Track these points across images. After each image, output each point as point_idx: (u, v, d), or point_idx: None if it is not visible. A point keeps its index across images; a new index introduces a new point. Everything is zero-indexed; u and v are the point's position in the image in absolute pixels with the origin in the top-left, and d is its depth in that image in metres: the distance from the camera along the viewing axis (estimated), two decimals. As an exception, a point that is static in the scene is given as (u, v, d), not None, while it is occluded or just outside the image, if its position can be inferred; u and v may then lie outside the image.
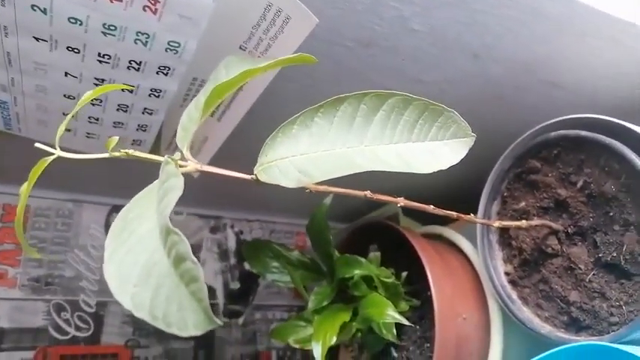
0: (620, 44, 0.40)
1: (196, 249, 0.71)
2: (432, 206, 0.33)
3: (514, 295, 0.42)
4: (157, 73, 0.35)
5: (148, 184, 0.25)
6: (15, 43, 0.32)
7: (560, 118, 0.41)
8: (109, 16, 0.31)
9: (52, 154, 0.25)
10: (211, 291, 0.70)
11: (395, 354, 0.48)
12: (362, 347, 0.49)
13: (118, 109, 0.39)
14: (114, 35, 0.32)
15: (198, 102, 0.28)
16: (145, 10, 0.30)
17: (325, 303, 0.45)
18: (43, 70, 0.35)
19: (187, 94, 0.40)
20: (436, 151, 0.26)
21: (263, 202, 0.72)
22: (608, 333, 0.36)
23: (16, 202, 0.61)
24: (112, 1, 0.29)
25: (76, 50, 0.33)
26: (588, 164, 0.39)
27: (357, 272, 0.45)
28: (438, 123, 0.26)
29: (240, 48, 0.35)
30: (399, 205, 0.31)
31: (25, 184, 0.25)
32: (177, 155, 0.24)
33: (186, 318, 0.18)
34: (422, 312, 0.47)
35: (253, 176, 0.27)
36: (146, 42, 0.33)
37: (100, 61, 0.34)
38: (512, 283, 0.43)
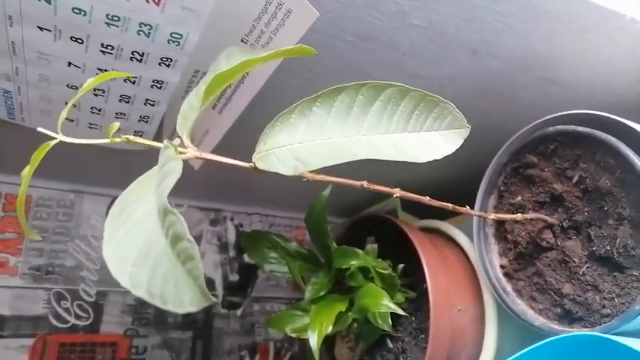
0: (617, 42, 0.41)
1: (196, 241, 0.71)
2: (427, 197, 0.33)
3: (509, 287, 0.43)
4: (160, 64, 0.36)
5: (148, 175, 0.25)
6: (19, 32, 0.33)
7: (558, 114, 0.41)
8: (112, 6, 0.31)
9: (54, 138, 0.25)
10: (210, 283, 0.71)
11: (390, 344, 0.48)
12: (358, 338, 0.50)
13: (120, 100, 0.40)
14: (117, 26, 0.32)
15: (198, 91, 0.28)
16: (148, 2, 0.31)
17: (322, 293, 0.46)
18: (47, 60, 0.35)
19: (189, 86, 0.41)
20: (431, 141, 0.27)
21: (263, 196, 0.73)
22: (600, 324, 0.36)
23: (18, 192, 0.62)
24: (115, -8, 0.30)
25: (79, 40, 0.33)
26: (584, 159, 0.39)
27: (354, 263, 0.45)
28: (433, 114, 0.27)
29: (242, 41, 0.36)
30: (395, 196, 0.31)
31: (27, 168, 0.26)
32: (176, 141, 0.25)
33: (182, 295, 0.19)
34: (418, 304, 0.48)
35: (251, 164, 0.27)
36: (149, 33, 0.33)
37: (103, 52, 0.34)
38: (507, 275, 0.44)
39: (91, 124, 0.42)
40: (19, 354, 0.57)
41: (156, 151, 0.26)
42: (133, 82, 0.38)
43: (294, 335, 0.46)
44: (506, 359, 0.34)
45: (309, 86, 0.43)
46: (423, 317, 0.47)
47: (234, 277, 0.73)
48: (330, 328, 0.42)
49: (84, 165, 0.58)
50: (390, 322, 0.44)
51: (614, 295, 0.36)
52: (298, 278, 0.48)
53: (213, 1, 0.31)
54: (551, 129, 0.41)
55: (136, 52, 0.35)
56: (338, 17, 0.35)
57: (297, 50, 0.28)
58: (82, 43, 0.34)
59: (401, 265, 0.48)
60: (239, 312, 0.71)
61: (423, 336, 0.46)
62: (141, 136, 0.45)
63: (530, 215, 0.41)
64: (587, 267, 0.38)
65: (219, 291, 0.71)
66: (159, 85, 0.38)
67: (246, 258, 0.73)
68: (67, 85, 0.38)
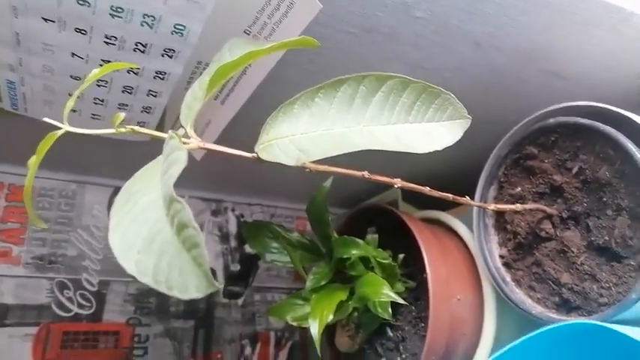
0: (620, 34, 0.41)
1: (198, 231, 0.72)
2: (428, 188, 0.33)
3: (508, 277, 0.44)
4: (163, 55, 0.36)
5: (151, 166, 0.25)
6: (24, 23, 0.33)
7: (559, 106, 0.41)
8: (116, -3, 0.31)
9: (60, 128, 0.26)
10: (212, 272, 0.71)
11: (390, 333, 0.49)
12: (358, 326, 0.50)
13: (123, 91, 0.40)
14: (121, 17, 0.32)
15: (202, 82, 0.29)
16: (151, -8, 0.31)
17: (323, 282, 0.46)
18: (51, 51, 0.35)
19: (192, 78, 0.41)
20: (433, 132, 0.27)
21: (264, 186, 0.73)
22: (598, 313, 0.37)
23: (21, 183, 0.63)
24: (119, -17, 0.30)
25: (83, 31, 0.34)
26: (584, 151, 0.40)
27: (355, 253, 0.46)
28: (435, 105, 0.27)
29: (245, 32, 0.36)
30: (396, 186, 0.31)
31: (34, 157, 0.26)
32: (181, 131, 0.25)
33: (187, 282, 0.19)
34: (418, 293, 0.48)
35: (254, 154, 0.27)
36: (152, 24, 0.33)
37: (107, 43, 0.35)
38: (507, 265, 0.44)
39: (93, 114, 0.43)
40: (23, 342, 0.57)
41: (157, 142, 0.26)
42: (136, 73, 0.38)
43: (294, 324, 0.46)
44: (505, 347, 0.35)
45: (312, 78, 0.43)
46: (422, 306, 0.48)
47: (236, 267, 0.73)
48: (330, 317, 0.43)
49: (86, 155, 0.59)
50: (390, 310, 0.44)
51: (611, 284, 0.37)
52: (299, 268, 0.48)
53: (217, -7, 0.31)
54: (551, 120, 0.41)
55: (140, 43, 0.35)
56: (341, 9, 0.35)
57: (299, 42, 0.28)
58: (86, 34, 0.34)
59: (401, 255, 0.48)
60: (240, 301, 0.72)
61: (423, 325, 0.47)
62: (143, 126, 0.45)
63: (530, 206, 0.41)
64: (586, 257, 0.39)
65: (221, 281, 0.72)
66: (162, 76, 0.38)
67: (248, 248, 0.74)
68: (71, 76, 0.38)
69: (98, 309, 0.62)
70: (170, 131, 0.24)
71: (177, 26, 0.34)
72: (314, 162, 0.28)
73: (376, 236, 0.49)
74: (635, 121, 0.37)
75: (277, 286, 0.76)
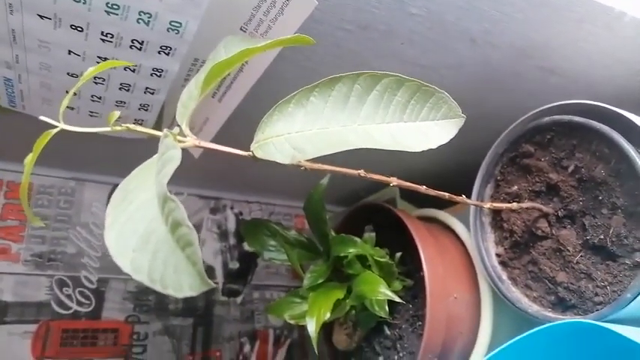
0: (615, 32, 0.41)
1: (197, 229, 0.71)
2: (424, 187, 0.33)
3: (504, 275, 0.44)
4: (159, 52, 0.36)
5: (149, 163, 0.25)
6: (19, 20, 0.33)
7: (555, 104, 0.41)
8: (111, -6, 0.31)
9: (56, 127, 0.26)
10: (210, 270, 0.72)
11: (388, 331, 0.49)
12: (356, 325, 0.50)
13: (120, 88, 0.40)
14: (117, 14, 0.32)
15: (198, 80, 0.29)
16: (147, -10, 0.31)
17: (320, 281, 0.46)
18: (47, 48, 0.36)
19: (189, 75, 0.41)
20: (427, 130, 0.27)
21: (263, 184, 0.73)
22: (593, 312, 0.37)
23: (20, 180, 0.63)
24: (115, -20, 0.30)
25: (79, 29, 0.34)
26: (580, 149, 0.40)
27: (352, 251, 0.46)
28: (429, 104, 0.27)
29: (241, 29, 0.36)
30: (392, 185, 0.31)
31: (30, 156, 0.26)
32: (176, 130, 0.25)
33: (181, 280, 0.19)
34: (415, 291, 0.48)
35: (250, 152, 0.27)
36: (148, 21, 0.33)
37: (103, 40, 0.35)
38: (503, 264, 0.44)
39: (91, 112, 0.43)
40: (22, 339, 0.58)
41: (156, 139, 0.26)
42: (133, 71, 0.38)
43: (292, 322, 0.46)
44: (501, 346, 0.35)
45: (309, 75, 0.43)
46: (419, 304, 0.48)
47: (234, 265, 0.73)
48: (327, 315, 0.43)
49: (84, 153, 0.59)
50: (387, 309, 0.44)
51: (606, 283, 0.37)
52: (297, 266, 0.48)
53: (212, -10, 0.31)
54: (547, 119, 0.41)
55: (136, 40, 0.35)
56: (337, 6, 0.35)
57: (295, 39, 0.28)
58: (82, 31, 0.34)
59: (398, 254, 0.48)
60: (239, 299, 0.72)
61: (420, 323, 0.47)
62: (141, 124, 0.45)
63: (526, 204, 0.41)
64: (581, 256, 0.39)
65: (220, 279, 0.72)
66: (158, 74, 0.38)
67: (246, 246, 0.74)
68: (68, 73, 0.38)
69: (97, 306, 0.63)
70: (165, 130, 0.24)
71: (173, 23, 0.34)
72: (309, 160, 0.28)
73: (373, 234, 0.49)
74: (630, 120, 0.37)
75: (276, 284, 0.76)
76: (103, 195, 0.67)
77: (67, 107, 0.32)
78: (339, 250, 0.46)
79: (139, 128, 0.25)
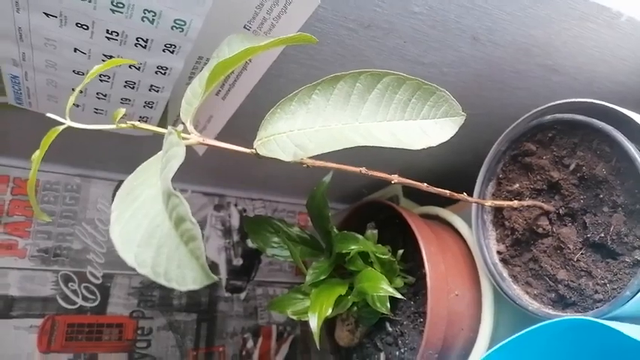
0: (616, 30, 0.41)
1: (201, 225, 0.72)
2: (425, 184, 0.34)
3: (505, 273, 0.44)
4: (164, 50, 0.36)
5: (154, 160, 0.26)
6: (26, 18, 0.34)
7: (556, 102, 0.42)
8: (117, -7, 0.32)
9: (63, 124, 0.26)
10: (214, 266, 0.72)
11: (389, 327, 0.50)
12: (358, 321, 0.51)
13: (125, 86, 0.40)
14: (122, 12, 0.33)
15: (201, 78, 0.29)
16: (151, -12, 0.31)
17: (322, 277, 0.47)
18: (53, 46, 0.36)
19: (193, 72, 0.41)
20: (428, 129, 0.27)
21: (266, 181, 0.73)
22: (593, 309, 0.37)
23: (26, 176, 0.63)
24: (120, -21, 0.30)
25: (84, 27, 0.34)
26: (581, 148, 0.40)
27: (354, 248, 0.46)
28: (430, 102, 0.27)
29: (245, 27, 0.36)
30: (393, 182, 0.32)
31: (37, 152, 0.27)
32: (180, 127, 0.26)
33: (185, 274, 0.19)
34: (416, 288, 0.49)
35: (253, 150, 0.28)
36: (153, 20, 0.34)
37: (109, 38, 0.35)
38: (504, 261, 0.45)
39: (96, 109, 0.43)
40: (28, 334, 0.58)
41: (160, 137, 0.26)
42: (138, 68, 0.38)
43: (295, 318, 0.47)
44: (501, 342, 0.35)
45: (312, 73, 0.43)
46: (421, 301, 0.48)
47: (238, 262, 0.74)
48: (329, 311, 0.43)
49: (90, 149, 0.59)
50: (389, 305, 0.45)
51: (606, 280, 0.37)
52: (299, 262, 0.49)
53: (216, -11, 0.32)
54: (548, 117, 0.41)
55: (141, 38, 0.35)
56: (339, 4, 0.35)
57: (297, 38, 0.28)
58: (88, 29, 0.34)
59: (400, 251, 0.49)
60: (242, 295, 0.73)
61: (421, 319, 0.47)
62: (146, 121, 0.45)
63: (527, 202, 0.41)
64: (582, 253, 0.39)
65: (223, 275, 0.72)
66: (163, 71, 0.39)
67: (250, 243, 0.75)
68: (74, 71, 0.39)
69: (102, 302, 0.63)
70: (169, 127, 0.25)
71: (177, 21, 0.34)
72: (312, 158, 0.28)
73: (376, 232, 0.50)
74: (631, 118, 0.37)
75: (279, 281, 0.77)
76: (109, 191, 0.67)
77: (73, 104, 0.32)
78: (342, 247, 0.47)
79: (143, 126, 0.26)
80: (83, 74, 0.39)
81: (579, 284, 0.38)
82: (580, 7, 0.38)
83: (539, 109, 0.43)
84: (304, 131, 0.27)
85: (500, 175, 0.46)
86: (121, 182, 0.24)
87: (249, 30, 0.36)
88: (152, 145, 0.27)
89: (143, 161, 0.26)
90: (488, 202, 0.40)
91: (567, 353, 0.37)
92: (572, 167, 0.40)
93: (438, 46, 0.41)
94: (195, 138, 0.27)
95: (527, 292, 0.42)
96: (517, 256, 0.44)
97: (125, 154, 0.51)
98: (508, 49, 0.42)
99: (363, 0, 0.35)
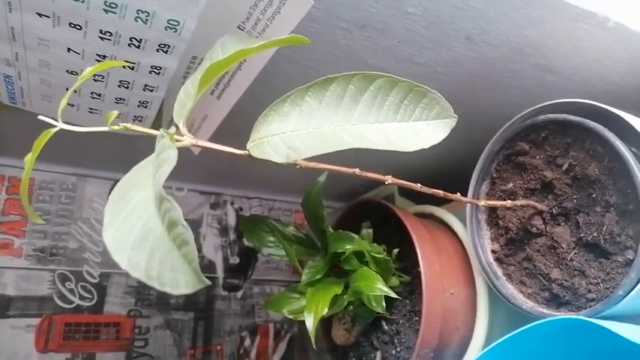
0: (608, 32, 0.41)
1: (197, 224, 0.73)
2: (419, 184, 0.34)
3: (499, 272, 0.44)
4: (157, 50, 0.36)
5: (150, 159, 0.26)
6: (19, 18, 0.33)
7: (550, 102, 0.42)
8: (110, -7, 0.31)
9: (55, 126, 0.26)
10: (211, 265, 0.72)
11: (385, 326, 0.50)
12: (354, 320, 0.51)
13: (119, 86, 0.40)
14: (115, 12, 0.33)
15: (194, 79, 0.29)
16: (144, -11, 0.31)
17: (318, 276, 0.47)
18: (46, 46, 0.36)
19: (187, 72, 0.41)
20: (420, 131, 0.27)
21: (262, 180, 0.73)
22: (586, 309, 0.37)
23: (21, 175, 0.63)
24: (113, -20, 0.30)
25: (78, 27, 0.34)
26: (574, 147, 0.40)
27: (349, 247, 0.46)
28: (422, 104, 0.27)
29: (239, 28, 0.36)
30: (386, 183, 0.32)
31: (30, 155, 0.27)
32: (172, 129, 0.26)
33: (178, 278, 0.20)
34: (412, 287, 0.49)
35: (246, 151, 0.28)
36: (146, 20, 0.34)
37: (102, 38, 0.35)
38: (498, 260, 0.45)
39: (91, 109, 0.43)
40: (25, 333, 0.58)
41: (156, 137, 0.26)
42: (132, 68, 0.38)
43: (291, 317, 0.47)
44: (496, 341, 0.36)
45: (307, 72, 0.43)
46: (416, 300, 0.48)
47: (235, 260, 0.74)
48: (325, 310, 0.43)
49: (86, 148, 0.59)
50: (385, 304, 0.45)
51: (599, 280, 0.37)
52: (295, 262, 0.49)
53: (210, -11, 0.32)
54: (542, 117, 0.42)
55: (134, 38, 0.35)
56: (333, 5, 0.35)
57: (290, 39, 0.28)
58: (81, 29, 0.34)
59: (395, 250, 0.49)
60: (239, 294, 0.73)
61: (417, 318, 0.48)
62: (140, 121, 0.45)
63: (520, 202, 0.41)
64: (575, 253, 0.39)
65: (220, 273, 0.72)
66: (157, 71, 0.39)
67: (246, 241, 0.75)
68: (67, 71, 0.39)
69: (99, 301, 0.63)
70: (161, 130, 0.25)
71: (171, 22, 0.34)
72: (305, 159, 0.28)
73: (371, 231, 0.50)
74: (623, 119, 0.37)
75: (276, 279, 0.77)
76: (105, 190, 0.67)
77: (67, 104, 0.32)
78: (337, 247, 0.47)
79: (136, 128, 0.26)
80: (77, 74, 0.39)
81: (573, 283, 0.39)
82: (573, 7, 0.38)
83: (532, 108, 0.43)
84: (297, 133, 0.27)
85: (494, 175, 0.46)
86: (116, 181, 0.24)
87: (242, 30, 0.36)
88: (148, 143, 0.27)
89: (139, 160, 0.26)
90: (482, 202, 0.40)
91: (561, 352, 0.37)
92: (565, 167, 0.40)
93: (431, 46, 0.41)
94: (188, 140, 0.27)
95: (522, 291, 0.42)
96: (511, 255, 0.44)
97: (121, 153, 0.51)
98: (502, 49, 0.42)
99: (357, 0, 0.35)
